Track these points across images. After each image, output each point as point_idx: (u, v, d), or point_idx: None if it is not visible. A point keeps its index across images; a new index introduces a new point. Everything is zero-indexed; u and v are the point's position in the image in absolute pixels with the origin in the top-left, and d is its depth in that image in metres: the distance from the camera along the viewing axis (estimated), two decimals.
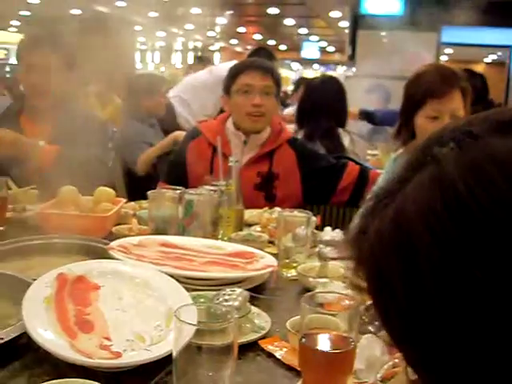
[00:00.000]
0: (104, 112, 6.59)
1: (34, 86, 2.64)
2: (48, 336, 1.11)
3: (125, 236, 1.82)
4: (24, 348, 1.17)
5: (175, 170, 2.69)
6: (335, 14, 13.18)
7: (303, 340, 1.01)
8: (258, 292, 1.53)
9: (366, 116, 4.83)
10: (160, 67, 17.97)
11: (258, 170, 2.58)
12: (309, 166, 2.62)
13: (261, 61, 2.75)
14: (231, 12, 13.21)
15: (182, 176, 2.58)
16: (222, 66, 5.59)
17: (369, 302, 1.33)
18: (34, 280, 1.32)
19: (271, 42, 17.97)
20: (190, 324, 0.93)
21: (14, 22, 18.07)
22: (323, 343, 1.01)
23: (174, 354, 0.94)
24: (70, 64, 2.67)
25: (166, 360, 1.10)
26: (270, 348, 1.24)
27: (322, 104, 3.52)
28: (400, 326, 0.55)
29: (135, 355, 1.09)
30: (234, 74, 2.65)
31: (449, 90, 2.15)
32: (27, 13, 15.00)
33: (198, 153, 2.62)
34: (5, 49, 16.31)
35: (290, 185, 2.60)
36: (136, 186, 3.15)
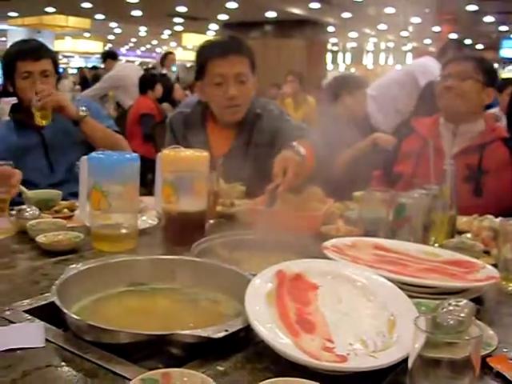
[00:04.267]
0: (298, 112, 6.74)
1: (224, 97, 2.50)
2: (272, 333, 1.11)
3: (332, 236, 1.80)
4: (243, 341, 1.19)
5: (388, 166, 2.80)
6: None
7: None
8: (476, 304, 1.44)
9: None
10: (350, 68, 17.93)
11: (467, 162, 2.52)
12: None
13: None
14: (427, 11, 12.83)
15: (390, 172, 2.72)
16: (414, 63, 5.48)
17: None
18: (253, 275, 1.33)
19: (467, 41, 17.19)
20: (432, 334, 0.87)
21: (213, 26, 19.07)
22: None
23: (410, 365, 0.89)
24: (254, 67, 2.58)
25: (386, 369, 1.06)
26: (498, 367, 1.15)
27: None
28: None
29: (361, 361, 1.05)
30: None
31: None
32: (225, 17, 15.74)
33: (408, 150, 2.70)
34: None
35: (501, 182, 2.51)
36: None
